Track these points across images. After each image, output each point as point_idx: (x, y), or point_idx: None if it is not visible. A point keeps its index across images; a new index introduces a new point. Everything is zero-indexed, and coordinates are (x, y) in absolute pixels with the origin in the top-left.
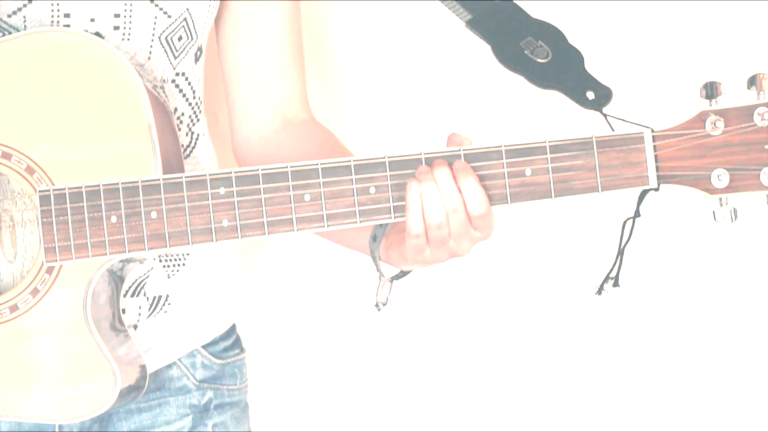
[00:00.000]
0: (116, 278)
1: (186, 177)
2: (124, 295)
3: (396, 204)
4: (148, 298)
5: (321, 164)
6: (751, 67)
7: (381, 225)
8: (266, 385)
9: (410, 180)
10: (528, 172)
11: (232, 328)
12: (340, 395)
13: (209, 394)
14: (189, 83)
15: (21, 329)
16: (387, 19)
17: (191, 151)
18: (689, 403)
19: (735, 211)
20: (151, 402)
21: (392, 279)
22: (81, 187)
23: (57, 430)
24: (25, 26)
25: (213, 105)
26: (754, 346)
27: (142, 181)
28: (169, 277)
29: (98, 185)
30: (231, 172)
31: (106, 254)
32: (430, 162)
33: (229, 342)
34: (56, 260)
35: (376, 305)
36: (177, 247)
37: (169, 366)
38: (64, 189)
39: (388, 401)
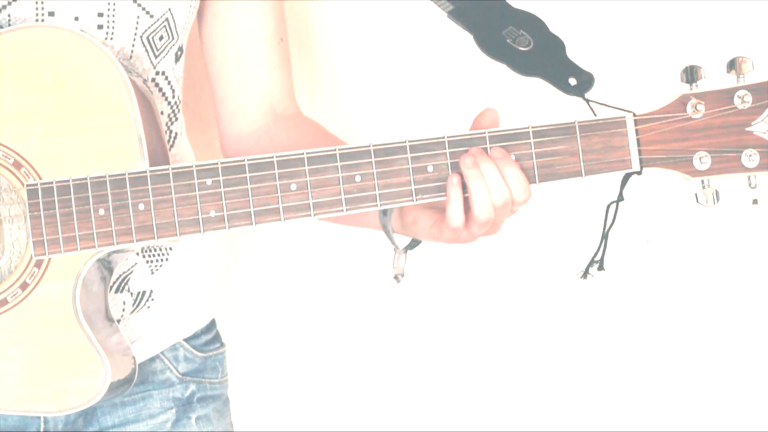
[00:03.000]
0: (105, 271)
1: (173, 168)
2: (109, 291)
3: (381, 191)
4: (132, 294)
5: (307, 153)
6: (730, 50)
7: None
8: (245, 381)
9: (452, 174)
10: (512, 157)
11: (212, 323)
12: (319, 390)
13: (192, 387)
14: (169, 82)
15: (10, 323)
16: (371, 11)
17: (169, 149)
18: (680, 394)
19: (717, 193)
20: (134, 395)
21: (406, 249)
22: (68, 181)
23: (42, 424)
24: (9, 24)
25: (196, 103)
26: (739, 331)
27: (129, 174)
28: (152, 273)
29: (85, 178)
30: (217, 163)
31: (94, 247)
32: (416, 149)
33: (210, 336)
34: (45, 254)
35: (395, 277)
36: (165, 239)
37: (152, 359)
38: (52, 183)
39: (368, 395)
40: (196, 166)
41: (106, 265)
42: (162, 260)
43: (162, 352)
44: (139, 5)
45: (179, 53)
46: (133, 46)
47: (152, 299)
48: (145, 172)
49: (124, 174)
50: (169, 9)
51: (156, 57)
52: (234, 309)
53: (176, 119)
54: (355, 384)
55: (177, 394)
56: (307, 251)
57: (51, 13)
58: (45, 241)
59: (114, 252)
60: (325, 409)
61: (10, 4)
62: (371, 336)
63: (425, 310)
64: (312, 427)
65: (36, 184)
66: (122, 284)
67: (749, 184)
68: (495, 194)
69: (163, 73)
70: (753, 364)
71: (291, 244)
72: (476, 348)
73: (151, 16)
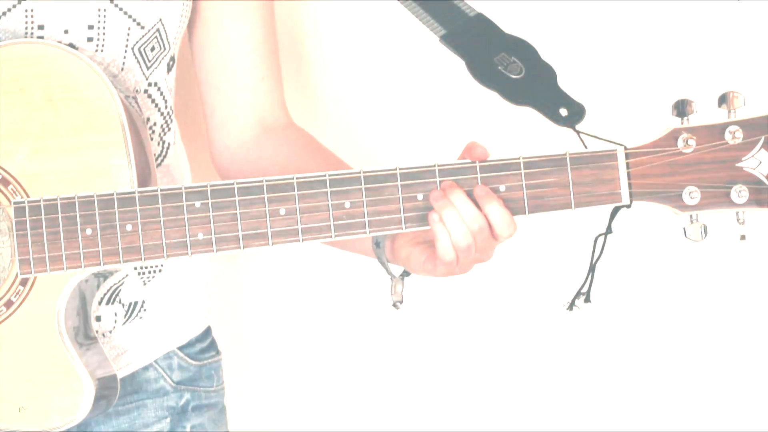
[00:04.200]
0: (89, 289)
1: (161, 190)
2: (99, 303)
3: (371, 219)
4: (123, 305)
5: (296, 178)
6: (722, 84)
7: None
8: (242, 389)
9: (431, 212)
10: (502, 188)
11: (208, 331)
12: (316, 399)
13: (186, 395)
14: (161, 93)
15: None
16: (362, 33)
17: (162, 160)
18: (670, 414)
19: (705, 227)
20: (128, 405)
21: (402, 276)
22: (56, 199)
23: None
24: None
25: (191, 112)
26: (724, 358)
27: (117, 194)
28: (144, 284)
29: (73, 197)
30: (206, 186)
31: (80, 267)
32: (407, 177)
33: (205, 344)
34: (30, 272)
35: (394, 305)
36: (152, 260)
37: (146, 368)
38: (39, 201)
39: (364, 404)
40: (185, 188)
41: (91, 284)
42: (155, 272)
43: (155, 361)
44: (130, 16)
45: (171, 63)
46: (124, 58)
47: (144, 310)
48: (134, 192)
49: (113, 194)
50: (160, 19)
51: (148, 68)
52: (232, 317)
53: (169, 129)
54: (352, 392)
55: (171, 403)
56: (305, 258)
57: (41, 26)
58: (31, 259)
59: (100, 273)
60: (321, 418)
61: None
62: (367, 344)
63: (420, 324)
64: None
65: (23, 202)
66: (113, 296)
67: (737, 220)
68: (468, 218)
69: (156, 84)
70: (739, 385)
71: (289, 252)
72: (466, 369)
73: (142, 27)
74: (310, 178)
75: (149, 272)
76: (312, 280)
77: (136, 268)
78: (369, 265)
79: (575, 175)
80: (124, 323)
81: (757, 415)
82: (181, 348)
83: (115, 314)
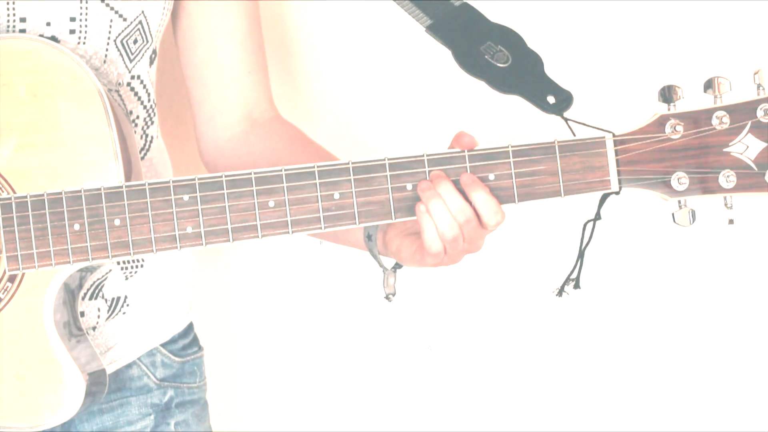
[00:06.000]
0: (75, 284)
1: (149, 184)
2: (83, 298)
3: (360, 209)
4: (106, 300)
5: (285, 170)
6: (708, 69)
7: None
8: (223, 384)
9: (418, 204)
10: (491, 177)
11: (190, 327)
12: (298, 392)
13: (170, 392)
14: (144, 86)
15: None
16: (348, 24)
17: (145, 154)
18: (665, 405)
19: (693, 213)
20: (112, 402)
21: (394, 269)
22: (43, 195)
23: None
24: None
25: (174, 109)
26: (714, 345)
27: (105, 189)
28: (127, 279)
29: (60, 193)
30: (194, 179)
31: (69, 262)
32: (395, 167)
33: (188, 340)
34: (19, 269)
35: (386, 297)
36: (140, 255)
37: (129, 366)
38: (26, 197)
39: (348, 397)
40: (173, 181)
41: (79, 278)
42: (137, 266)
43: (139, 358)
44: (112, 8)
45: (153, 56)
46: (107, 50)
47: (127, 305)
48: (121, 187)
49: (100, 189)
50: (143, 12)
51: (131, 61)
52: (212, 312)
53: (152, 123)
54: (335, 386)
55: (155, 400)
56: (288, 252)
57: (23, 19)
58: (19, 256)
59: (88, 267)
60: (304, 412)
61: None
62: (350, 338)
63: (411, 316)
64: (291, 429)
65: (10, 198)
66: (96, 291)
67: (725, 204)
68: (454, 209)
69: (139, 77)
70: (729, 373)
71: (271, 246)
72: (457, 361)
73: (125, 20)
74: (298, 170)
75: (132, 267)
76: (295, 273)
77: (119, 263)
78: (352, 258)
79: (564, 163)
80: (107, 319)
81: (750, 403)
82: (164, 345)
83: (98, 309)
